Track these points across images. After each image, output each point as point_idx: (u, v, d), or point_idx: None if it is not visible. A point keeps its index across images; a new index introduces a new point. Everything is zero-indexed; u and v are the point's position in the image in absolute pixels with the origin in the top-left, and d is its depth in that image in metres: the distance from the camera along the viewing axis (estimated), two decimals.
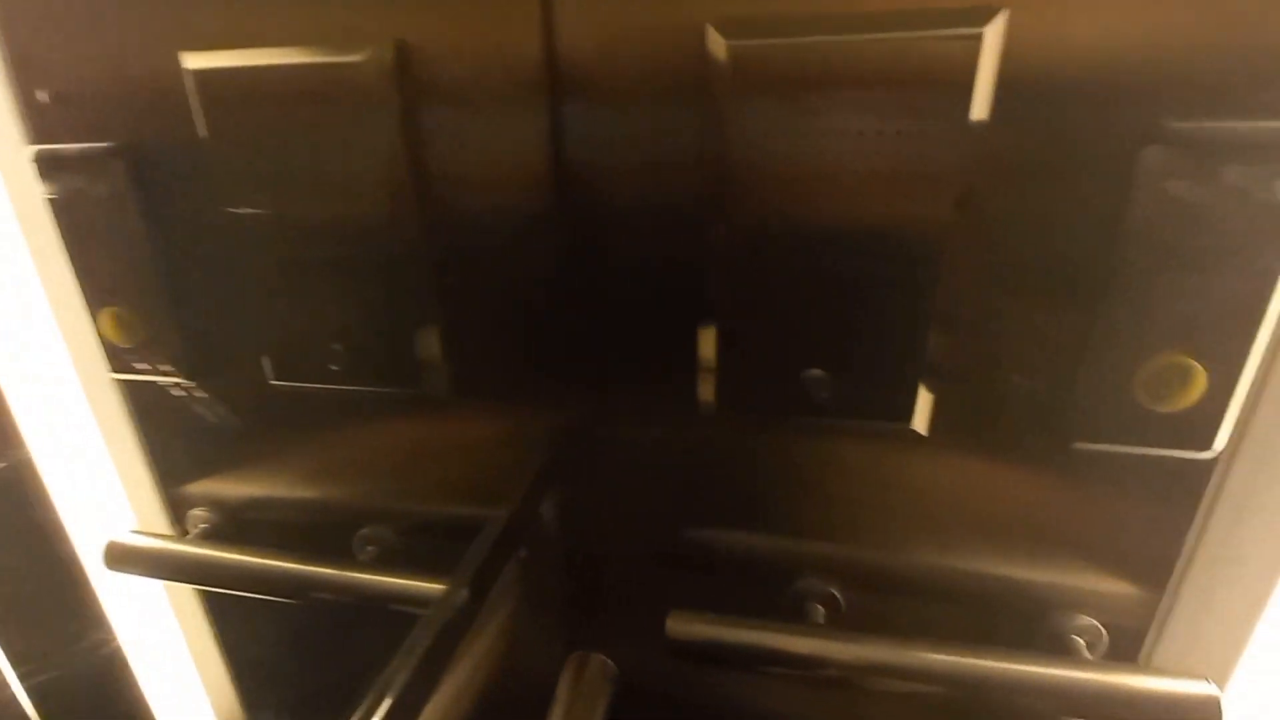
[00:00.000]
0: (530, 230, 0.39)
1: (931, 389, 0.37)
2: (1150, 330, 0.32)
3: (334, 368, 0.43)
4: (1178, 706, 0.36)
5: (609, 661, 0.41)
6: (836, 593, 0.44)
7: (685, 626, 0.42)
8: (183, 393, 0.49)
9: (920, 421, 0.37)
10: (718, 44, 0.32)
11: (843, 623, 0.45)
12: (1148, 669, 0.37)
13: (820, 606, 0.44)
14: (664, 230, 0.37)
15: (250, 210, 0.40)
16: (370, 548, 0.52)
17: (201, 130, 0.39)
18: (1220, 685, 0.42)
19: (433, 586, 0.42)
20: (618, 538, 0.46)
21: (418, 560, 0.49)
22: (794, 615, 0.45)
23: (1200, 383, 0.32)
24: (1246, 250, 0.30)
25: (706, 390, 0.39)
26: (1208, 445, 0.34)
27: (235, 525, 0.55)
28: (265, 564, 0.49)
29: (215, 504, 0.54)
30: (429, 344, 0.42)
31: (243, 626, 0.60)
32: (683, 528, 0.45)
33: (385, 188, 0.38)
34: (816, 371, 0.37)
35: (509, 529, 0.39)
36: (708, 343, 0.38)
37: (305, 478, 0.50)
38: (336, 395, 0.44)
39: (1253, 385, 0.33)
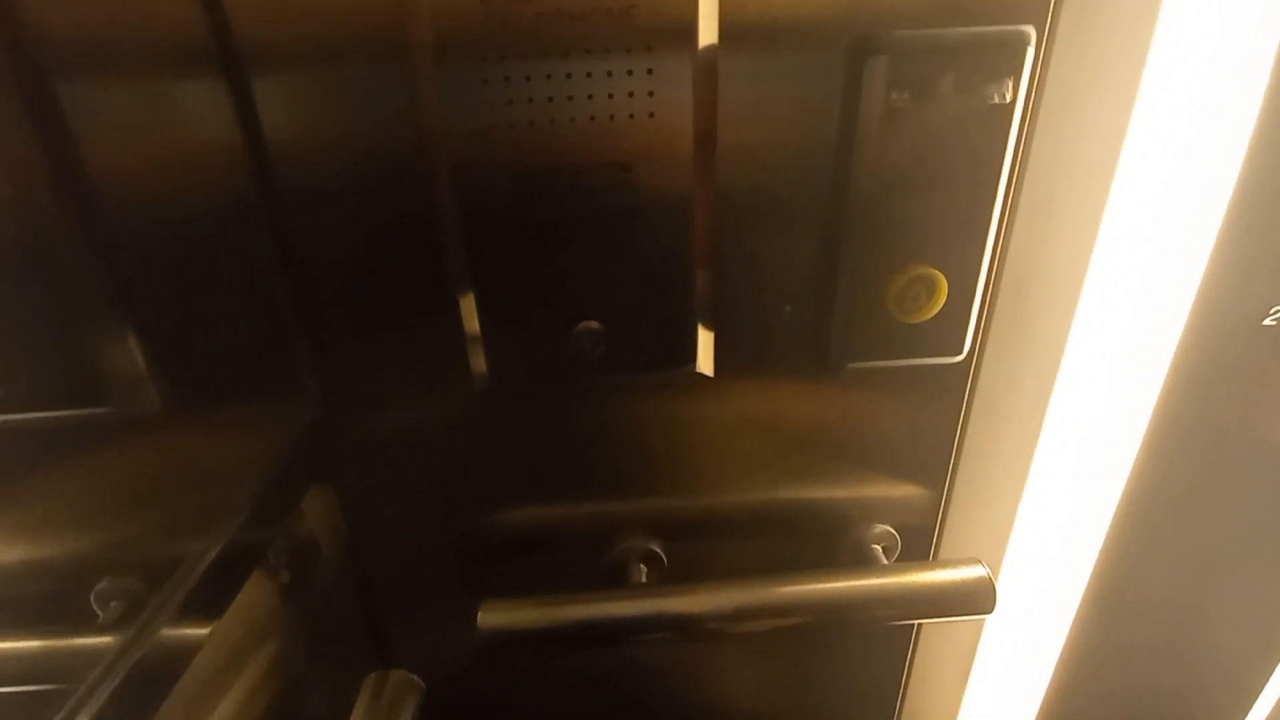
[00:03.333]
0: (238, 215, 0.32)
1: (710, 328, 0.35)
2: (894, 245, 0.32)
3: None
4: (959, 591, 0.39)
5: (413, 677, 0.37)
6: (657, 549, 0.43)
7: (500, 616, 0.38)
8: None
9: (705, 363, 0.36)
10: None
11: (668, 577, 0.44)
12: (933, 564, 0.40)
13: (643, 566, 0.43)
14: (396, 196, 0.32)
15: None
16: (115, 603, 0.43)
17: None
18: (996, 562, 0.47)
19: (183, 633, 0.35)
20: (411, 535, 0.41)
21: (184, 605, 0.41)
22: (618, 581, 0.43)
23: (943, 291, 0.33)
24: (969, 156, 0.31)
25: (477, 361, 0.35)
26: (958, 350, 0.35)
27: None
28: None
29: None
30: (117, 352, 0.33)
31: None
32: (481, 513, 0.41)
33: (15, 186, 0.29)
34: (591, 324, 0.34)
35: (234, 551, 0.33)
36: (469, 311, 0.34)
37: (1, 539, 0.39)
38: (5, 429, 0.35)
39: (988, 287, 0.35)
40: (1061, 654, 0.51)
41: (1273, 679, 0.52)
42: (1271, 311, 0.37)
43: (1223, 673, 0.52)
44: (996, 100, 0.29)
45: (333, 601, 0.41)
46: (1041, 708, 0.54)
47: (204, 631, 0.32)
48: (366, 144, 0.31)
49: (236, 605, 0.33)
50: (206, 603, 0.32)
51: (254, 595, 0.34)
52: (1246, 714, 0.56)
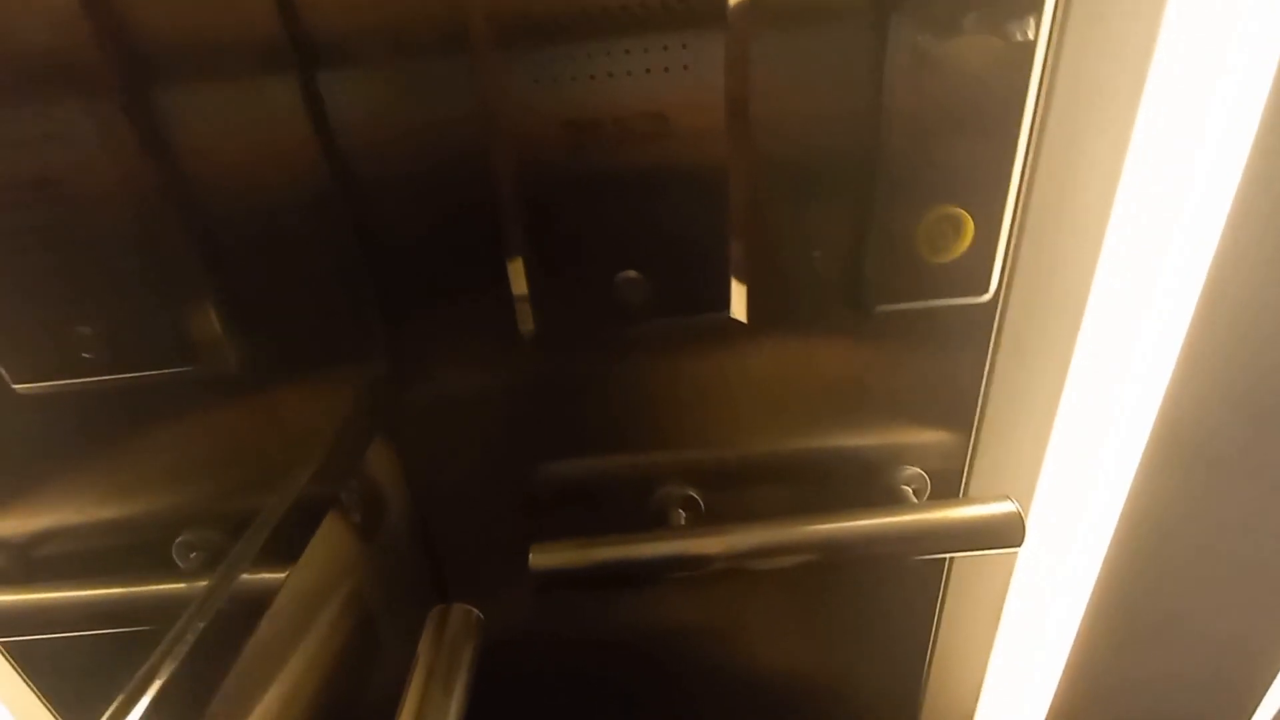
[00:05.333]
0: (306, 194, 0.35)
1: (743, 277, 0.37)
2: (922, 186, 0.33)
3: (86, 355, 0.36)
4: (990, 526, 0.40)
5: (474, 611, 0.40)
6: (694, 494, 0.45)
7: (549, 557, 0.41)
8: None
9: (739, 309, 0.38)
10: None
11: (706, 521, 0.46)
12: (964, 501, 0.41)
13: (681, 510, 0.45)
14: (455, 169, 0.34)
15: None
16: (195, 554, 0.47)
17: None
18: (1025, 502, 0.48)
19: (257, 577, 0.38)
20: (467, 485, 0.44)
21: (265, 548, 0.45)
22: (660, 524, 0.46)
23: (970, 230, 0.34)
24: (993, 95, 0.32)
25: (525, 320, 0.37)
26: (985, 289, 0.37)
27: (24, 567, 0.47)
28: (65, 596, 0.42)
29: None
30: (203, 319, 0.36)
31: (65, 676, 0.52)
32: (531, 463, 0.43)
33: (119, 174, 0.32)
34: (631, 274, 0.36)
35: (310, 497, 0.36)
36: (518, 275, 0.36)
37: (91, 495, 0.43)
38: (99, 390, 0.38)
39: (1014, 225, 0.36)
40: (1093, 591, 0.52)
41: None
42: None
43: (1259, 605, 0.52)
44: (1019, 38, 0.30)
45: (398, 544, 0.44)
46: (1074, 644, 0.55)
47: (283, 574, 0.35)
48: (428, 124, 0.33)
49: (314, 545, 0.36)
50: (287, 544, 0.35)
51: (331, 535, 0.37)
52: None
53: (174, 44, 0.32)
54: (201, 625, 0.34)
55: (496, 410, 0.42)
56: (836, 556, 0.40)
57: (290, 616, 0.38)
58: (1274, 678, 0.55)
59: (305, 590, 0.39)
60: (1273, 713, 0.57)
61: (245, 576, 0.38)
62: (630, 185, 0.33)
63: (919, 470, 0.44)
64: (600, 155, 0.33)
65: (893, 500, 0.44)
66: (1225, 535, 0.49)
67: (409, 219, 0.36)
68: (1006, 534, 0.40)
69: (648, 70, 0.31)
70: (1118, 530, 0.50)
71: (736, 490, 0.45)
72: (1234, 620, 0.53)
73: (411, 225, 0.36)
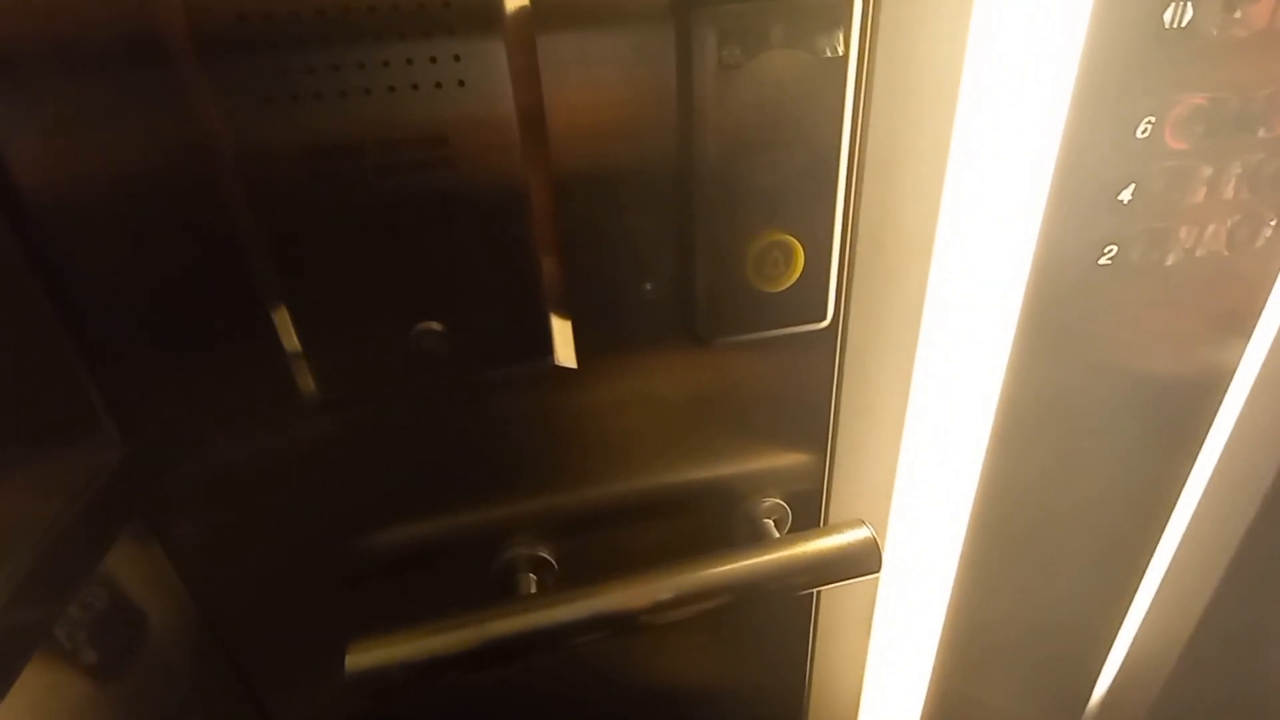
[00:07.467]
0: None
1: (566, 317, 0.33)
2: (745, 211, 0.31)
3: None
4: (847, 553, 0.39)
5: None
6: (545, 553, 0.41)
7: (372, 655, 0.35)
8: None
9: (566, 354, 0.34)
10: None
11: (562, 579, 0.42)
12: (820, 532, 0.39)
13: (533, 575, 0.40)
14: (176, 199, 0.27)
15: None
16: None
17: None
18: (884, 516, 0.47)
19: None
20: (268, 578, 0.37)
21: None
22: (509, 594, 0.40)
23: (800, 257, 0.32)
24: (808, 114, 0.29)
25: (304, 379, 0.31)
26: (821, 316, 0.35)
27: None
28: None
29: None
30: None
31: None
32: (343, 541, 0.37)
33: None
34: (430, 325, 0.30)
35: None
36: (285, 326, 0.30)
37: None
38: None
39: (845, 249, 0.34)
40: (955, 581, 0.53)
41: (1139, 591, 0.56)
42: (1105, 251, 0.39)
43: (1096, 573, 0.56)
44: (829, 54, 0.28)
45: (180, 667, 0.36)
46: (941, 638, 0.56)
47: None
48: (128, 145, 0.26)
49: (22, 697, 0.28)
50: None
51: (46, 681, 0.29)
52: (1118, 627, 0.61)
53: None
54: None
55: (293, 484, 0.35)
56: (696, 609, 0.37)
57: None
58: (1109, 649, 0.60)
59: None
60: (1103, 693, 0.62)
61: None
62: (410, 221, 0.28)
63: (778, 500, 0.42)
64: (363, 186, 0.27)
65: (754, 533, 0.42)
66: (1067, 504, 0.51)
67: (130, 261, 0.28)
68: (864, 562, 0.38)
69: (415, 86, 0.26)
70: (971, 525, 0.51)
71: (589, 541, 0.41)
72: (1078, 570, 0.56)
73: (135, 268, 0.28)
